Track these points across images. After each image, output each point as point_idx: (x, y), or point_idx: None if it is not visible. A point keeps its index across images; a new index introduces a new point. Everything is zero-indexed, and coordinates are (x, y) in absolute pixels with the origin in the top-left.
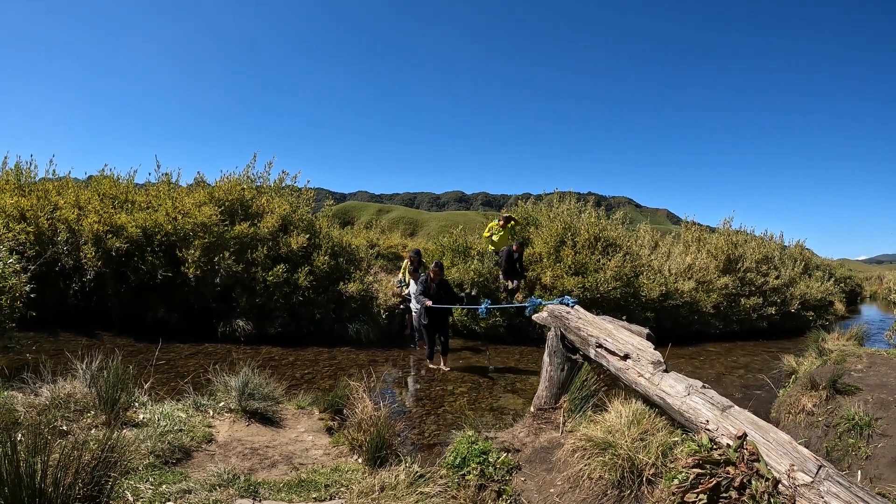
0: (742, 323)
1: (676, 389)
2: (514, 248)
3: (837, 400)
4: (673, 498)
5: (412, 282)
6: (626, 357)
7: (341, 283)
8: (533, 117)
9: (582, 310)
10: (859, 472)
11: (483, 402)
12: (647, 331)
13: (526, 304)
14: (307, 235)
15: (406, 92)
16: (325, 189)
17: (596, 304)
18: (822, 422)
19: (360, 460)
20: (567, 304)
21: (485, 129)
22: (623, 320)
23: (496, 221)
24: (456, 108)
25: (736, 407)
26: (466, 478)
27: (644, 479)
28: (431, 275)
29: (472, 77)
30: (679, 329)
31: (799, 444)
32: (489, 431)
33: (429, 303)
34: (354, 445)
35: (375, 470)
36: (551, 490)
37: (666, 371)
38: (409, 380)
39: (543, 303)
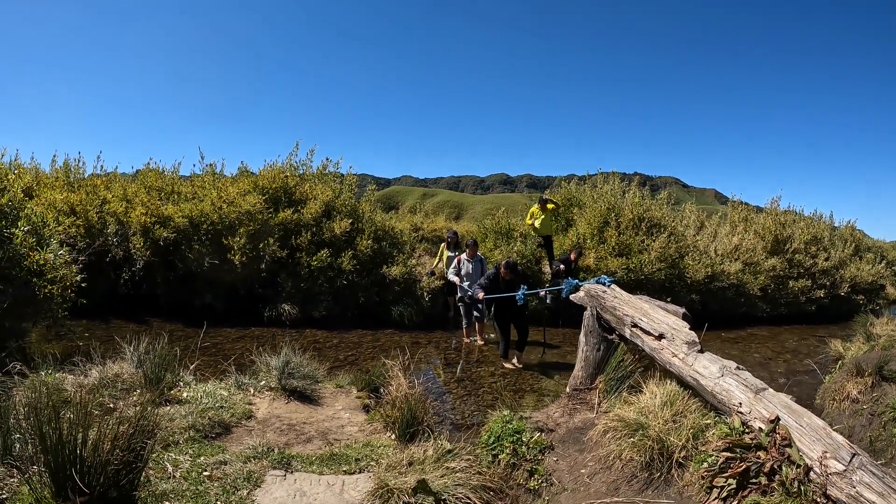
0: (790, 306)
1: (710, 370)
2: (573, 256)
3: (883, 387)
4: (702, 482)
5: (448, 259)
6: (660, 337)
7: (384, 267)
8: (577, 97)
9: (618, 289)
10: None
11: (524, 384)
12: (682, 310)
13: (562, 287)
14: (350, 220)
15: (449, 75)
16: (370, 175)
17: (640, 285)
18: (866, 410)
19: (392, 436)
20: (603, 284)
21: (529, 111)
22: (668, 302)
23: (536, 206)
24: (499, 90)
25: (770, 389)
26: (499, 457)
27: (674, 461)
28: (502, 272)
29: (514, 59)
30: (725, 312)
31: (838, 431)
32: (525, 412)
33: (481, 294)
34: (388, 422)
35: (406, 445)
36: (582, 470)
37: (701, 352)
38: (451, 360)
39: (580, 283)
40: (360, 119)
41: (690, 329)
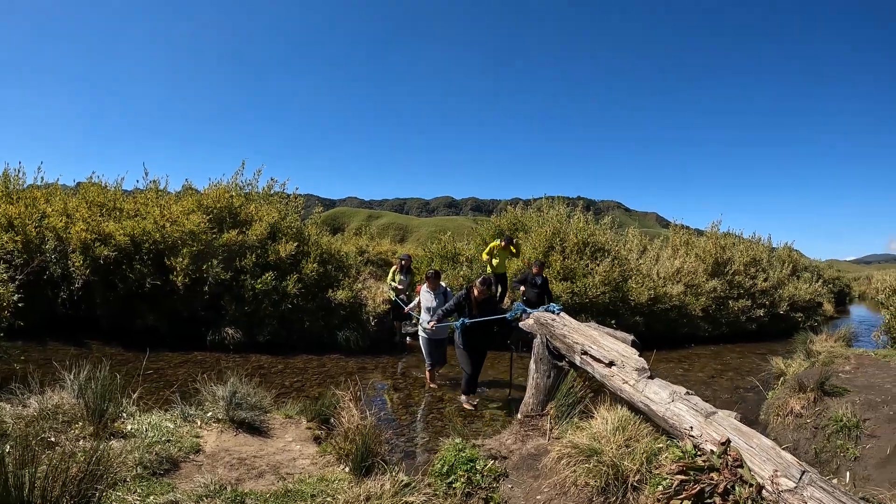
0: (731, 325)
1: (661, 396)
2: (535, 270)
3: (825, 402)
4: None
5: (402, 282)
6: (610, 364)
7: (330, 291)
8: (522, 122)
9: (567, 317)
10: (848, 473)
11: (473, 411)
12: (631, 337)
13: (506, 315)
14: (296, 243)
15: (395, 98)
16: (315, 195)
17: (585, 309)
18: (810, 423)
19: (346, 470)
20: (553, 311)
21: (474, 135)
22: (612, 325)
23: (498, 241)
24: (445, 114)
25: (720, 413)
26: (454, 486)
27: (629, 485)
28: (476, 292)
29: (461, 83)
30: (668, 332)
31: (785, 447)
32: (477, 439)
33: (432, 324)
34: (341, 455)
35: (361, 479)
36: (538, 497)
37: (651, 377)
38: (399, 387)
39: (528, 310)
40: (305, 138)
41: (639, 356)
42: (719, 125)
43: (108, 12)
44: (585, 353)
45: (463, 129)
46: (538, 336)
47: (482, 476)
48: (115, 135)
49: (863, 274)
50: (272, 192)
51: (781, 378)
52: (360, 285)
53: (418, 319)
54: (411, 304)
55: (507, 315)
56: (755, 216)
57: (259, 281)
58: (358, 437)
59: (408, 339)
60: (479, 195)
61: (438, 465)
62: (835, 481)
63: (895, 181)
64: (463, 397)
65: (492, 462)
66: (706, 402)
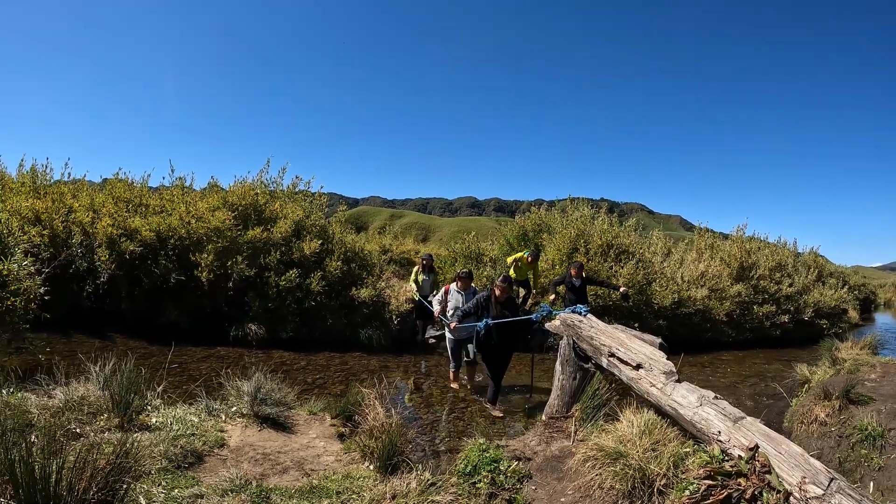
0: (755, 331)
1: (689, 400)
2: (574, 272)
3: (850, 410)
4: None
5: (425, 281)
6: (638, 367)
7: (353, 289)
8: (546, 123)
9: (594, 318)
10: (871, 483)
11: (495, 409)
12: (659, 340)
13: (532, 315)
14: (320, 241)
15: (419, 98)
16: (338, 194)
17: (608, 312)
18: (834, 432)
19: (371, 467)
20: (579, 313)
21: (497, 135)
22: (635, 328)
23: (525, 254)
24: (469, 114)
25: (748, 418)
26: (478, 485)
27: (655, 489)
28: (497, 291)
29: (485, 83)
30: (692, 337)
31: (811, 455)
32: (500, 439)
33: (453, 324)
34: (366, 452)
35: (387, 477)
36: (562, 499)
37: (678, 381)
38: (421, 386)
39: (554, 312)
40: (329, 137)
41: (667, 359)
42: (746, 129)
43: (132, 6)
44: (612, 355)
45: (486, 129)
46: (565, 337)
47: (506, 477)
48: (140, 133)
49: (889, 281)
50: (297, 190)
51: (806, 385)
52: (383, 284)
53: (443, 322)
54: (436, 306)
55: (533, 316)
56: (780, 221)
57: (283, 278)
58: (384, 436)
59: (431, 340)
60: (502, 196)
61: (462, 465)
62: None
63: None
64: (489, 405)
65: (516, 463)
66: (743, 410)
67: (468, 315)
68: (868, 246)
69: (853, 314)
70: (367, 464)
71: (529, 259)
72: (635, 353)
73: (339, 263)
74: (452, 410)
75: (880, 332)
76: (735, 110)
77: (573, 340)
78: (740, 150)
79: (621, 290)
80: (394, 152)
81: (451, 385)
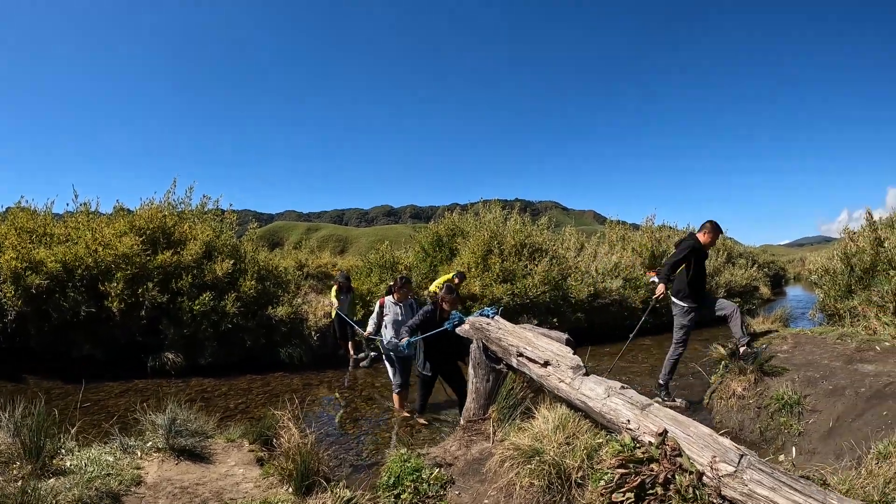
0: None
1: (596, 392)
2: (456, 281)
3: (766, 382)
4: (602, 499)
5: (342, 301)
6: (546, 364)
7: (270, 308)
8: (459, 127)
9: (502, 320)
10: (794, 448)
11: (422, 417)
12: (566, 336)
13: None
14: (232, 261)
15: (328, 108)
16: (252, 211)
17: (526, 309)
18: (753, 404)
19: (290, 490)
20: (487, 316)
21: (411, 141)
22: (554, 322)
23: (454, 276)
24: (381, 122)
25: (655, 404)
26: (401, 497)
27: (572, 482)
28: (445, 305)
29: (393, 88)
30: (611, 326)
31: (723, 432)
32: (422, 447)
33: (404, 339)
34: (283, 476)
35: (304, 499)
36: (486, 501)
37: (586, 374)
38: (345, 400)
39: (463, 317)
40: (239, 153)
41: (574, 353)
42: (649, 118)
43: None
44: (521, 354)
45: (399, 137)
46: (474, 341)
47: (429, 485)
48: (40, 158)
49: (796, 256)
50: (206, 209)
51: (722, 362)
52: (299, 300)
53: (372, 342)
54: (370, 325)
55: (446, 325)
56: (691, 208)
57: (197, 302)
58: (298, 457)
59: (362, 364)
60: (418, 202)
61: (385, 478)
62: (781, 457)
63: (822, 166)
64: (416, 415)
65: (437, 470)
66: (651, 391)
67: (415, 331)
68: (776, 226)
69: (765, 290)
70: (285, 487)
71: (457, 281)
72: (543, 350)
73: (252, 283)
74: (378, 423)
75: (791, 305)
76: (640, 101)
77: (482, 343)
78: (649, 140)
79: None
80: (307, 165)
81: (402, 413)
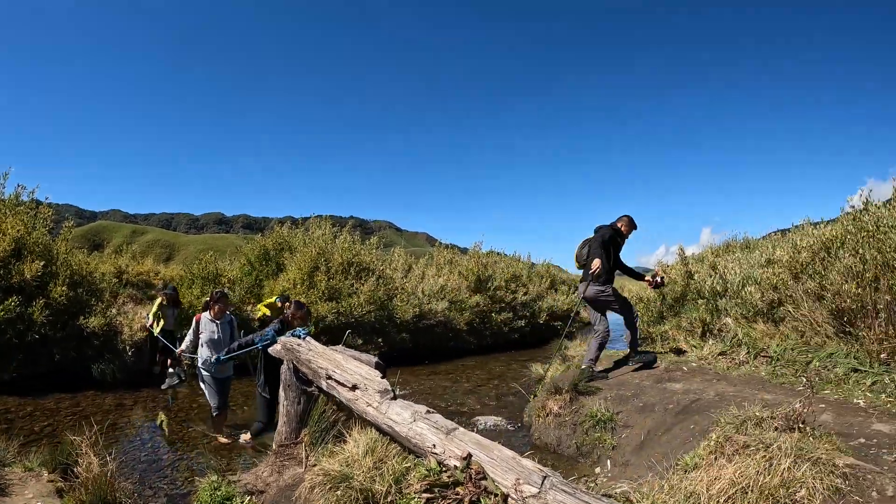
0: (495, 336)
1: (403, 417)
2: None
3: (581, 400)
4: None
5: (169, 317)
6: (354, 388)
7: (82, 318)
8: (297, 140)
9: (313, 341)
10: (608, 461)
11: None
12: (375, 359)
13: (256, 342)
14: (43, 262)
15: (162, 106)
16: (74, 206)
17: (352, 328)
18: (569, 421)
19: None
20: (299, 336)
21: (247, 149)
22: (379, 343)
23: (277, 301)
24: (216, 122)
25: (461, 429)
26: None
27: None
28: (296, 322)
29: (235, 94)
30: (436, 347)
31: (545, 443)
32: (235, 474)
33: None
34: None
35: None
36: None
37: (394, 398)
38: (163, 422)
39: (276, 337)
40: (62, 142)
41: (383, 377)
42: (486, 144)
43: None
44: (330, 377)
45: (235, 142)
46: (286, 362)
47: None
48: None
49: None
50: (20, 200)
51: (541, 382)
52: (114, 311)
53: (188, 361)
54: (185, 342)
55: (257, 342)
56: (519, 236)
57: (1, 307)
58: (94, 488)
59: (169, 388)
60: (252, 212)
61: None
62: (597, 469)
63: (648, 206)
64: (217, 434)
65: (249, 498)
66: (475, 409)
67: (244, 348)
68: None
69: (585, 314)
70: None
71: (279, 304)
72: (351, 374)
73: (64, 289)
74: (195, 446)
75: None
76: (476, 128)
77: (294, 364)
78: (482, 169)
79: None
80: (137, 163)
81: (221, 439)
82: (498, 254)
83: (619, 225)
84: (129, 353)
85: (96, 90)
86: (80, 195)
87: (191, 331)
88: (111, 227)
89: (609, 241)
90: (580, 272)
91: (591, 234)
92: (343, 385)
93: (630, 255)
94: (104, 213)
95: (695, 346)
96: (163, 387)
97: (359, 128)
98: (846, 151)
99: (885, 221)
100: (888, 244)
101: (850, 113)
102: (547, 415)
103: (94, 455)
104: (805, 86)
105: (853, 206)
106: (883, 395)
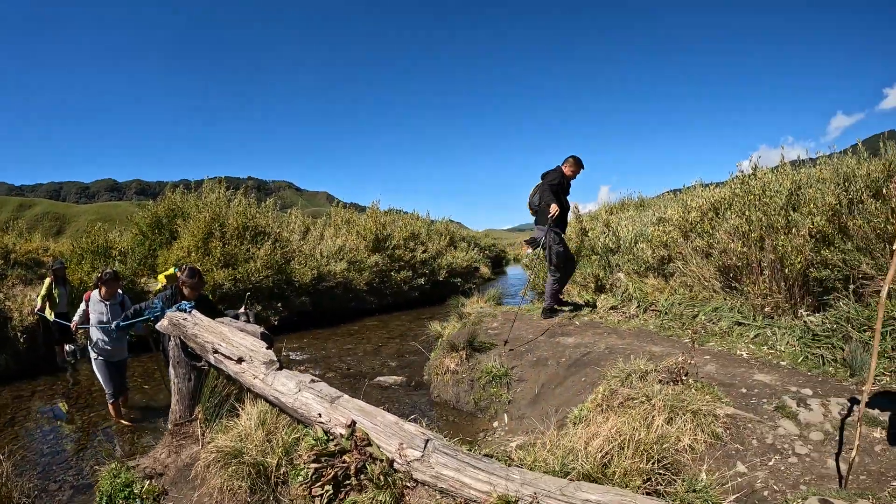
0: (395, 296)
1: (288, 387)
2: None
3: (477, 357)
4: (304, 494)
5: (61, 296)
6: (240, 360)
7: None
8: (191, 95)
9: (199, 315)
10: (505, 415)
11: (142, 423)
12: (261, 329)
13: (146, 316)
14: None
15: (41, 59)
16: None
17: (250, 294)
18: (466, 377)
19: None
20: (184, 310)
21: (138, 108)
22: (279, 307)
23: (174, 271)
24: (103, 78)
25: (345, 396)
26: None
27: (273, 482)
28: (186, 291)
29: (124, 42)
30: (336, 309)
31: (444, 400)
32: (133, 458)
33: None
34: None
35: None
36: None
37: (279, 369)
38: (64, 412)
39: (165, 311)
40: None
41: (269, 348)
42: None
43: None
44: (217, 351)
45: (123, 99)
46: (172, 338)
47: (142, 500)
48: None
49: (518, 240)
50: None
51: (440, 340)
52: (1, 295)
53: (83, 332)
54: (76, 317)
55: (146, 314)
56: (425, 194)
57: None
58: None
59: (70, 359)
60: (145, 177)
61: (98, 498)
62: (496, 423)
63: (536, 157)
64: (114, 416)
65: (148, 482)
66: (376, 370)
67: (137, 316)
68: (499, 212)
69: (485, 270)
70: None
71: (181, 275)
72: (237, 346)
73: None
74: (98, 433)
75: (510, 284)
76: (371, 87)
77: (181, 340)
78: (378, 124)
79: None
80: (16, 126)
81: (119, 421)
82: (397, 212)
83: (564, 168)
84: (22, 341)
85: None
86: None
87: (80, 309)
88: None
89: (558, 185)
90: (480, 229)
91: (539, 181)
92: (230, 358)
93: (527, 212)
94: None
95: (588, 302)
96: (59, 360)
97: (258, 83)
98: (743, 119)
99: (771, 186)
100: (773, 207)
101: (750, 81)
102: (445, 372)
103: None
104: (706, 53)
105: (742, 171)
106: (765, 348)
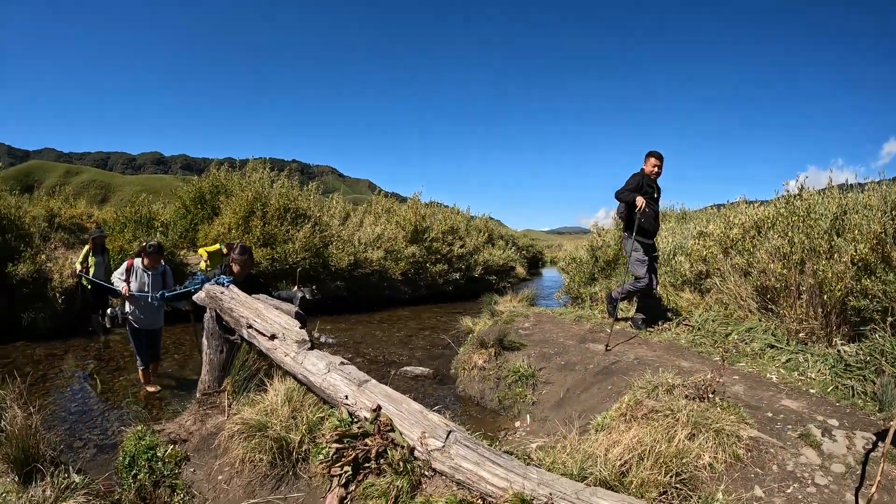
0: (430, 288)
1: (318, 367)
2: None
3: (505, 356)
4: (324, 473)
5: (98, 264)
6: (273, 337)
7: (10, 265)
8: (241, 76)
9: (236, 289)
10: (528, 415)
11: (166, 391)
12: (296, 308)
13: (188, 288)
14: None
15: (95, 34)
16: (5, 145)
17: (286, 275)
18: (493, 375)
19: (16, 479)
20: (222, 284)
21: (188, 86)
22: (313, 290)
23: (220, 247)
24: (154, 57)
25: (372, 381)
26: (138, 477)
27: (295, 457)
28: (235, 268)
29: (176, 25)
30: (371, 296)
31: (470, 395)
32: (159, 423)
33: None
34: (9, 462)
35: (25, 487)
36: (220, 477)
37: (311, 349)
38: (95, 373)
39: (206, 283)
40: None
41: (302, 327)
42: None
43: None
44: (251, 326)
45: (174, 76)
46: (208, 310)
47: (164, 463)
48: None
49: (556, 242)
50: None
51: (470, 335)
52: (44, 257)
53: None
54: (121, 283)
55: (190, 287)
56: (467, 189)
57: None
58: (18, 442)
59: (108, 324)
60: (191, 153)
61: (122, 458)
62: (517, 423)
63: (581, 161)
64: (144, 383)
65: (172, 447)
66: (404, 359)
67: (182, 291)
68: (540, 213)
69: (521, 270)
70: (13, 475)
71: (227, 250)
72: (271, 323)
73: None
74: (126, 395)
75: (545, 286)
76: (421, 78)
77: (216, 313)
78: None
79: None
80: (71, 99)
81: (147, 388)
82: (438, 205)
83: (643, 167)
84: (60, 301)
85: (22, 23)
86: (11, 133)
87: (120, 271)
88: (44, 166)
89: (635, 187)
90: (519, 229)
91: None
92: (262, 334)
93: (570, 215)
94: (37, 151)
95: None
96: (96, 328)
97: (307, 70)
98: (794, 138)
99: (816, 208)
100: (817, 230)
101: (800, 102)
102: (472, 368)
103: (19, 409)
104: (764, 72)
105: (788, 191)
106: (795, 373)
